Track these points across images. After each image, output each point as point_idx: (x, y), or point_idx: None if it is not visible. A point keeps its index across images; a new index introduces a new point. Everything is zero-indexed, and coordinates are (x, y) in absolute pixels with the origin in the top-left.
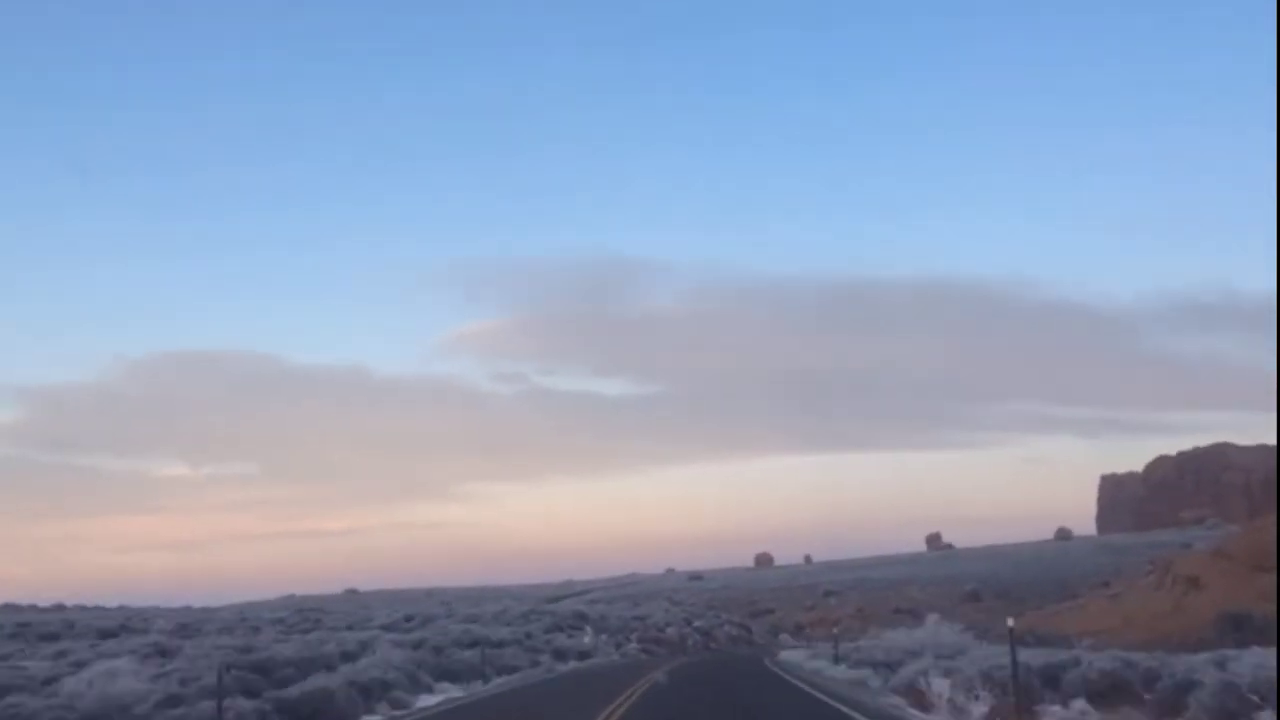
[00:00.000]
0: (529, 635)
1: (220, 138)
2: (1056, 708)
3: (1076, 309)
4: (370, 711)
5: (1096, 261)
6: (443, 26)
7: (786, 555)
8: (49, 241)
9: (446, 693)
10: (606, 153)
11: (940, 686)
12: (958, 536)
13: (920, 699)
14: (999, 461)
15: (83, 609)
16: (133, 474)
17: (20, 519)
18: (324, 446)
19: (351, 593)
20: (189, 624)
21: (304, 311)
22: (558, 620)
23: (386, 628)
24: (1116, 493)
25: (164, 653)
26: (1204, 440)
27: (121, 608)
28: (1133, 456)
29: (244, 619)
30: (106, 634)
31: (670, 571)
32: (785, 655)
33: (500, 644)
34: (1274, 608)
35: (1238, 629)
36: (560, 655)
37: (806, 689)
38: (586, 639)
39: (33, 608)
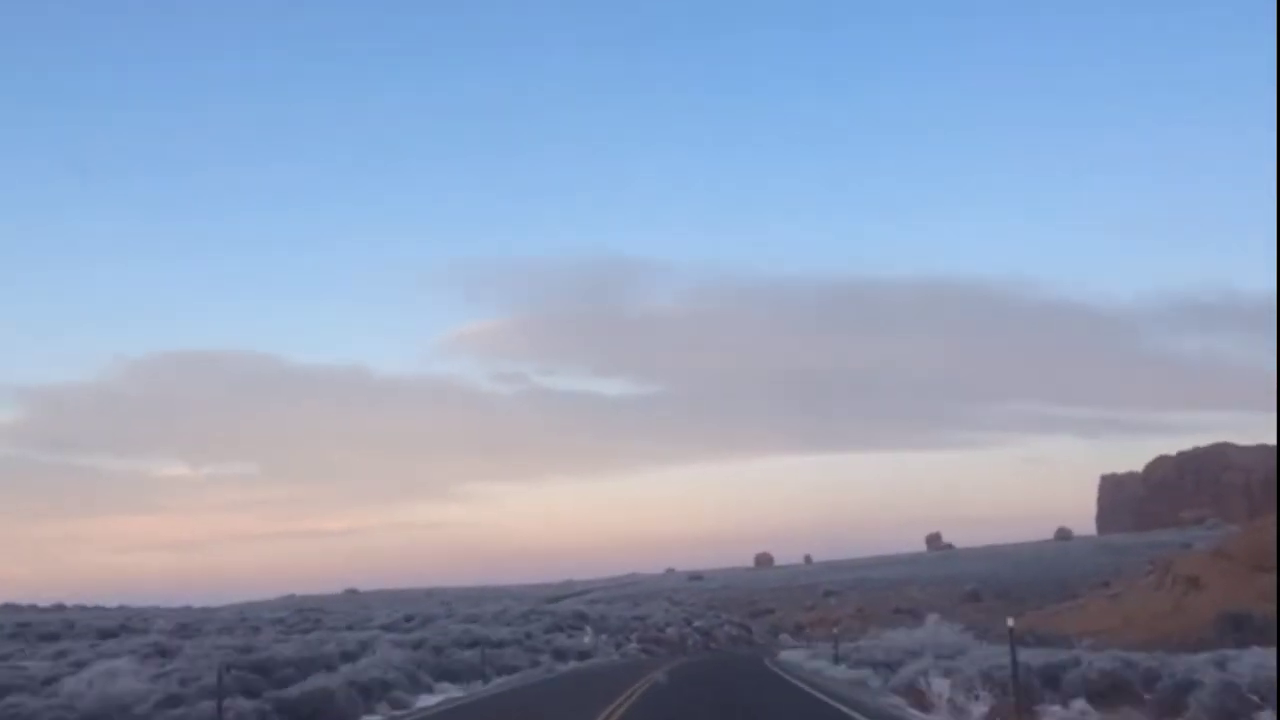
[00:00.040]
0: (529, 635)
1: (220, 138)
2: (1056, 708)
3: (1076, 309)
4: (370, 711)
5: (1096, 261)
6: (443, 26)
7: (786, 555)
8: (49, 241)
9: (446, 693)
10: (606, 153)
11: (940, 686)
12: (958, 536)
13: (920, 699)
14: (999, 461)
15: (83, 609)
16: (133, 474)
17: (20, 519)
18: (324, 446)
19: (351, 593)
20: (189, 624)
21: (304, 311)
22: (558, 620)
23: (386, 628)
24: (1116, 493)
25: (164, 653)
26: (1204, 440)
27: (121, 608)
28: (1133, 456)
29: (244, 619)
30: (106, 634)
31: (670, 571)
32: (785, 655)
33: (500, 644)
34: (1274, 608)
35: (1238, 629)
36: (560, 655)
37: (806, 689)
38: (586, 639)
39: (33, 608)
